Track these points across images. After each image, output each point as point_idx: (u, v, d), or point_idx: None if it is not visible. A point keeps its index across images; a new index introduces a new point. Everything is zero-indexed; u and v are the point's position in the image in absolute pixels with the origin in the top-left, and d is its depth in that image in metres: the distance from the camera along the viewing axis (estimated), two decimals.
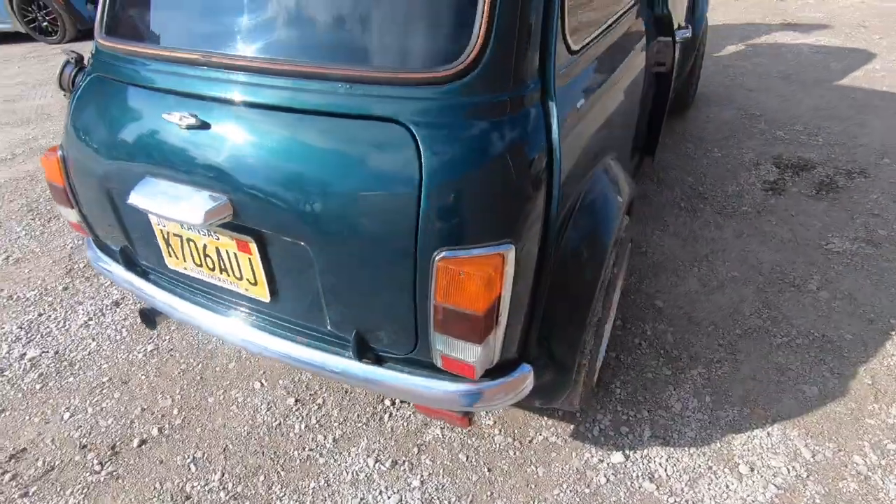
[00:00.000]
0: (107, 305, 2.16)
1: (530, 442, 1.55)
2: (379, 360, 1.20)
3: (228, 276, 1.26)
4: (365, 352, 1.18)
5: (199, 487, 1.49)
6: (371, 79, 1.00)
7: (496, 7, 0.96)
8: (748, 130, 3.17)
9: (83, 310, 2.15)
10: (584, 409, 1.62)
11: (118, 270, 1.51)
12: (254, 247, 1.15)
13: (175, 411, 1.72)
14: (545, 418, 1.60)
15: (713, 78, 3.93)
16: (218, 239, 1.20)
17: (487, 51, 0.97)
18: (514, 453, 1.52)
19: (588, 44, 1.26)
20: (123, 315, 2.11)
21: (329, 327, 1.20)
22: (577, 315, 1.18)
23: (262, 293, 1.23)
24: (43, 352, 1.97)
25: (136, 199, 1.15)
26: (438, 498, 1.43)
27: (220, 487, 1.49)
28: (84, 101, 1.36)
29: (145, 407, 1.74)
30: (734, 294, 2.02)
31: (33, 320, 2.11)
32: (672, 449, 1.50)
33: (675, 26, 1.93)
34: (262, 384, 1.79)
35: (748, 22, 5.23)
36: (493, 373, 1.15)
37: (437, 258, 0.97)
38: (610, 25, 1.44)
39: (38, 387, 1.83)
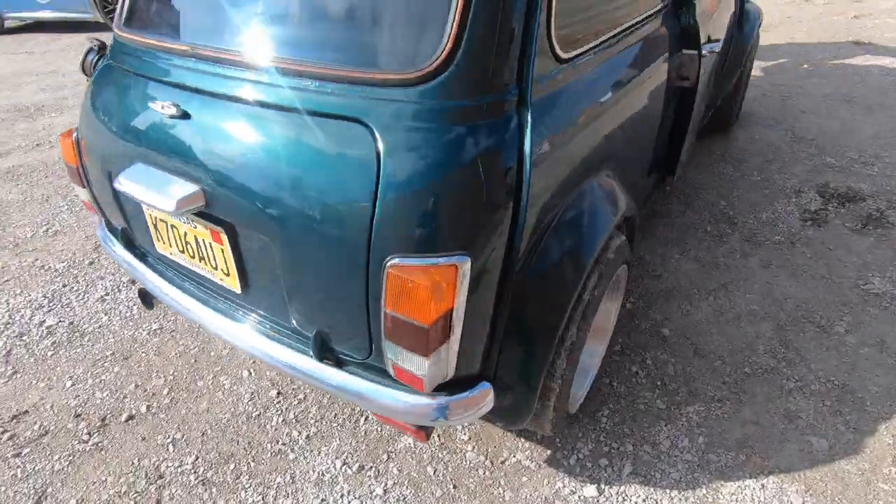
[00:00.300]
0: (124, 283, 2.27)
1: (502, 463, 1.49)
2: (339, 363, 1.18)
3: (206, 265, 1.28)
4: (325, 353, 1.17)
5: (172, 468, 1.53)
6: (339, 77, 0.99)
7: (469, 10, 0.93)
8: (795, 154, 2.96)
9: (102, 285, 2.26)
10: (564, 436, 1.54)
11: (119, 251, 1.57)
12: (225, 238, 1.17)
13: (165, 391, 1.77)
14: (522, 440, 1.54)
15: (765, 97, 3.70)
16: (195, 227, 1.22)
17: (457, 55, 0.94)
18: (484, 472, 1.47)
19: (585, 53, 1.20)
20: (136, 293, 2.20)
21: (293, 324, 1.20)
22: (543, 337, 1.13)
23: (234, 285, 1.24)
24: (60, 321, 2.08)
25: (121, 181, 1.19)
26: None
27: (192, 471, 1.52)
28: (96, 87, 1.43)
29: (139, 384, 1.80)
30: (750, 329, 1.88)
31: (57, 290, 2.24)
32: (652, 489, 1.41)
33: (705, 39, 1.82)
34: (250, 373, 1.81)
35: (816, 41, 4.90)
36: (452, 387, 1.11)
37: (388, 264, 0.95)
38: (620, 35, 1.37)
39: (49, 353, 1.93)
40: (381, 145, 0.95)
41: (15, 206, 2.90)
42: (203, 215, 1.17)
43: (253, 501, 1.43)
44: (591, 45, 1.23)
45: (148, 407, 1.72)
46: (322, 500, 1.43)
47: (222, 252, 1.21)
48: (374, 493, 1.43)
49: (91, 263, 2.41)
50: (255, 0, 1.10)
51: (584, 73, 1.21)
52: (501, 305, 1.08)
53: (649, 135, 1.68)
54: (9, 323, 2.08)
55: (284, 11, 1.09)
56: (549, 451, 1.51)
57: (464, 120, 0.96)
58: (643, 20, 1.51)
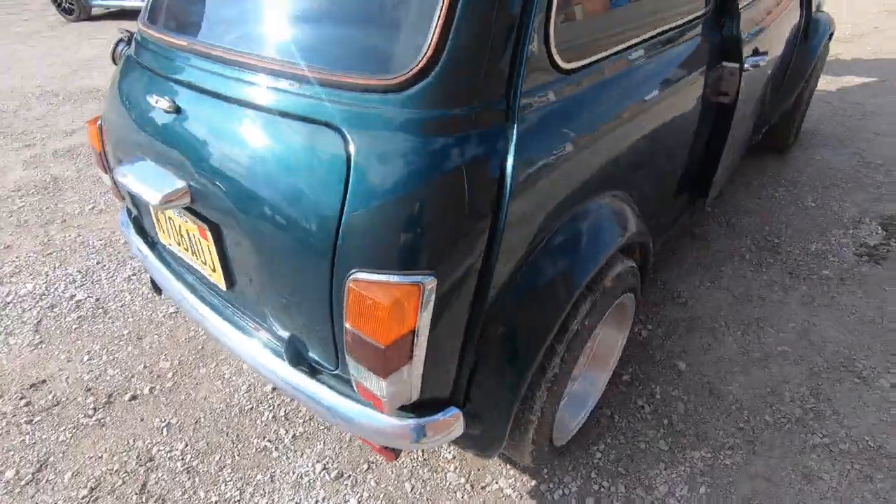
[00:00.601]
0: None
1: (483, 488, 1.43)
2: (313, 371, 1.16)
3: (197, 258, 1.29)
4: (298, 359, 1.15)
5: (162, 453, 1.56)
6: (316, 79, 0.96)
7: (453, 16, 0.87)
8: (859, 181, 2.68)
9: (131, 265, 2.36)
10: (552, 467, 1.46)
11: (133, 237, 1.63)
12: (209, 234, 1.17)
13: (170, 374, 1.82)
14: (507, 466, 1.47)
15: (834, 116, 3.38)
16: (186, 222, 1.24)
17: (438, 63, 0.88)
18: (463, 496, 1.41)
19: (594, 64, 1.11)
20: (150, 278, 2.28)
21: (271, 326, 1.19)
22: (518, 366, 1.05)
23: (220, 281, 1.25)
24: (88, 296, 2.19)
25: (120, 171, 1.22)
26: None
27: (180, 457, 1.55)
28: (118, 78, 1.48)
29: (147, 365, 1.86)
30: (778, 372, 1.71)
31: (91, 267, 2.37)
32: None
33: (750, 51, 1.67)
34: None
35: None
36: (421, 410, 1.06)
37: (350, 277, 0.91)
38: (640, 45, 1.26)
39: (74, 327, 2.04)
40: (352, 153, 0.91)
41: (69, 183, 3.09)
42: (191, 210, 1.17)
43: (231, 496, 1.44)
44: (602, 55, 1.13)
45: (151, 389, 1.77)
46: (296, 503, 1.42)
47: (208, 248, 1.21)
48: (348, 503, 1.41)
49: (125, 243, 2.52)
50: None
51: (593, 86, 1.12)
52: (474, 329, 1.02)
53: (677, 153, 1.56)
54: (44, 294, 2.21)
55: (266, 10, 1.07)
56: (534, 482, 1.43)
57: (441, 132, 0.90)
58: (674, 29, 1.39)
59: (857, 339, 1.82)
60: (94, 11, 7.77)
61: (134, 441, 1.60)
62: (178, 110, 1.13)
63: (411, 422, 1.04)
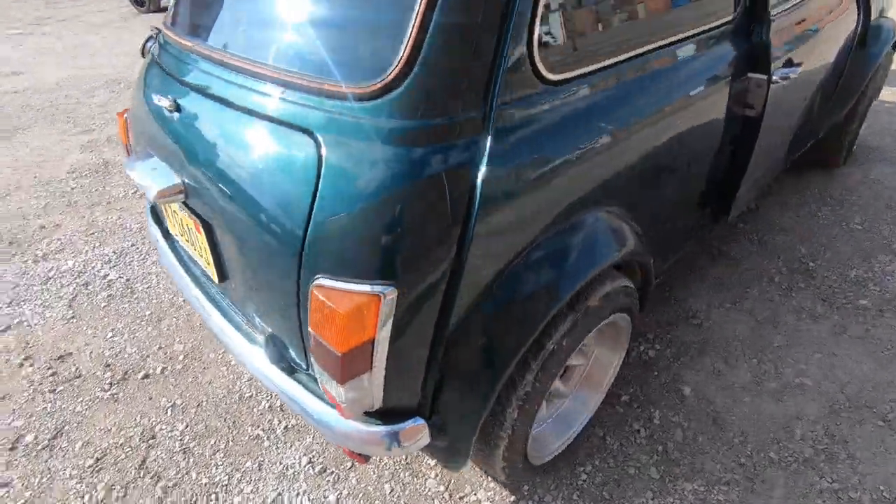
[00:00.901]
0: None
1: (461, 498, 1.42)
2: (291, 370, 1.18)
3: (195, 250, 1.35)
4: (278, 357, 1.17)
5: (164, 432, 1.65)
6: (297, 85, 0.97)
7: (427, 27, 0.86)
8: None
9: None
10: (533, 484, 1.42)
11: (151, 226, 1.71)
12: (202, 229, 1.21)
13: (181, 357, 1.91)
14: (488, 479, 1.45)
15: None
16: (186, 216, 1.29)
17: (411, 73, 0.88)
18: None
19: (588, 75, 1.07)
20: None
21: (254, 322, 1.22)
22: (483, 381, 1.03)
23: (213, 274, 1.29)
24: (119, 276, 2.33)
25: (129, 164, 1.28)
26: None
27: (179, 438, 1.62)
28: (142, 74, 1.55)
29: (162, 346, 1.96)
30: (792, 407, 1.60)
31: (126, 249, 2.51)
32: None
33: (784, 61, 1.55)
34: None
35: None
36: (389, 417, 1.07)
37: (313, 283, 0.92)
38: (647, 54, 1.20)
39: (103, 305, 2.17)
40: (323, 160, 0.92)
41: (118, 168, 3.29)
42: (187, 205, 1.22)
43: (220, 480, 1.50)
44: (597, 66, 1.09)
45: (163, 369, 1.87)
46: (279, 493, 1.46)
47: (202, 242, 1.26)
48: (327, 500, 1.43)
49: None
50: (229, 1, 1.12)
51: (585, 99, 1.08)
52: (440, 341, 1.01)
53: (689, 169, 1.47)
54: (81, 272, 2.36)
55: (252, 14, 1.09)
56: (512, 498, 1.41)
57: (411, 142, 0.90)
58: (691, 37, 1.32)
59: (889, 378, 1.67)
60: (164, 3, 8.21)
61: (140, 418, 1.70)
62: (178, 109, 1.18)
63: (377, 429, 1.04)
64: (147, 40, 1.75)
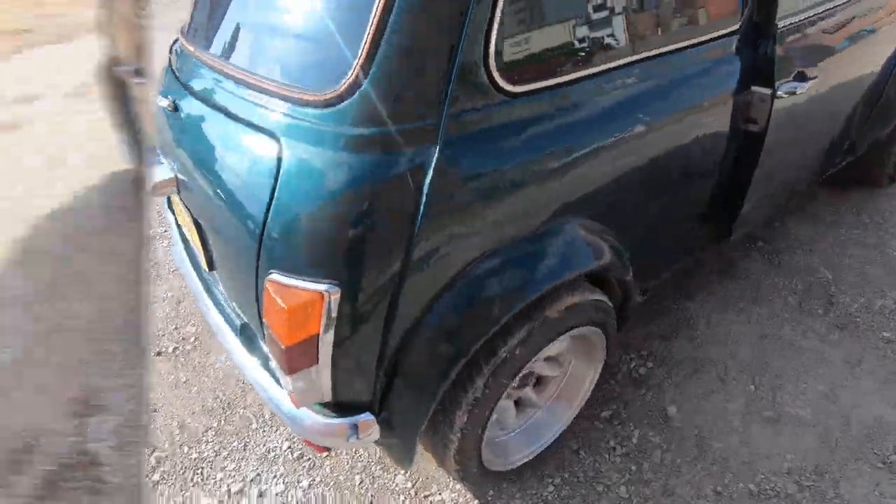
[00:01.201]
0: None
1: (426, 497, 1.45)
2: (267, 361, 1.26)
3: (192, 237, 1.45)
4: (250, 345, 1.25)
5: (166, 406, 1.77)
6: (271, 91, 1.03)
7: (382, 34, 0.90)
8: None
9: None
10: (498, 489, 1.43)
11: (166, 212, 1.85)
12: (192, 220, 1.31)
13: (192, 338, 2.05)
14: (455, 480, 1.47)
15: None
16: (183, 207, 1.39)
17: (364, 82, 0.92)
18: (405, 501, 1.44)
19: (552, 88, 1.07)
20: None
21: (234, 309, 1.30)
22: (427, 382, 1.06)
23: (204, 261, 1.39)
24: (150, 262, 2.51)
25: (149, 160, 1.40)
26: None
27: (176, 415, 1.74)
28: (162, 78, 1.69)
29: (178, 327, 2.11)
30: (786, 439, 1.52)
31: (159, 233, 2.70)
32: None
33: (794, 74, 1.48)
34: None
35: None
36: (344, 410, 1.11)
37: (267, 277, 0.98)
38: (631, 65, 1.18)
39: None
40: (282, 163, 0.98)
41: None
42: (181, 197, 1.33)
43: (207, 456, 1.60)
44: (564, 79, 1.08)
45: (175, 349, 2.01)
46: (258, 474, 1.54)
47: (193, 232, 1.36)
48: (300, 484, 1.50)
49: None
50: (215, 4, 1.21)
51: (549, 111, 1.07)
52: (389, 339, 1.04)
53: (679, 185, 1.43)
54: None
55: (230, 15, 1.17)
56: (476, 501, 1.42)
57: (362, 149, 0.94)
58: (684, 48, 1.28)
59: None
60: None
61: (151, 391, 1.83)
62: (175, 108, 1.28)
63: (325, 420, 1.09)
64: (174, 42, 1.89)
